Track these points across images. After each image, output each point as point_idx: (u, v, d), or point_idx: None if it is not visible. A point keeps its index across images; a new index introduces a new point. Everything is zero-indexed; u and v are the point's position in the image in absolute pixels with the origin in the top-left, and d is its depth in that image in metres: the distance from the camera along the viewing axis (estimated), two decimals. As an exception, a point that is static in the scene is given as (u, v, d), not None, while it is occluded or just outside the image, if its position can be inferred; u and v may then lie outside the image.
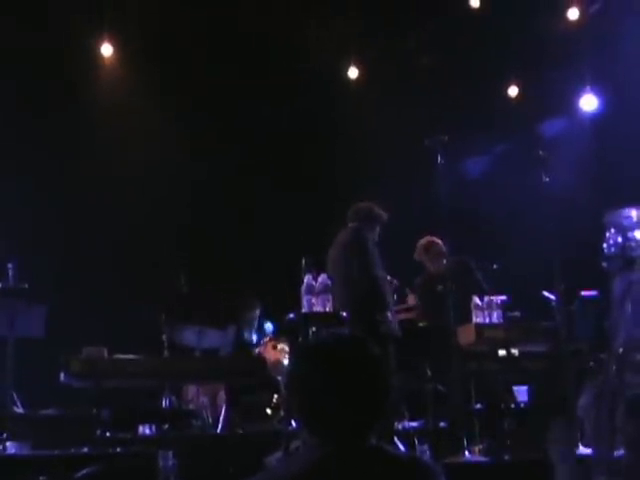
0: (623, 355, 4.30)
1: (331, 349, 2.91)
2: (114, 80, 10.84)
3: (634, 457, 4.52)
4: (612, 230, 4.30)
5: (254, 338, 9.85)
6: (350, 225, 7.60)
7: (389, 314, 7.24)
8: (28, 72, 10.14)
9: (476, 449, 7.08)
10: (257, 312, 9.91)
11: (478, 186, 10.35)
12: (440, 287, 7.83)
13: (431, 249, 8.51)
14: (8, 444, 6.87)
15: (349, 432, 2.81)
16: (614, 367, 4.42)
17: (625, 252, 4.24)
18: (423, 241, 8.61)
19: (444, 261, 8.16)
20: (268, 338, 9.43)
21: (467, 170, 10.53)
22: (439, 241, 8.40)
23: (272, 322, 9.82)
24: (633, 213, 4.28)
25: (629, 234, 4.24)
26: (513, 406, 7.66)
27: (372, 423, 2.86)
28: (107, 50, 10.66)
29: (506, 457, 6.80)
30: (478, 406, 7.64)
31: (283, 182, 10.90)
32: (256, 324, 9.94)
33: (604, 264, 4.36)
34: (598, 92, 10.95)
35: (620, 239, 4.26)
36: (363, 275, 7.27)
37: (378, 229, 7.67)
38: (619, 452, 4.87)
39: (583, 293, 7.72)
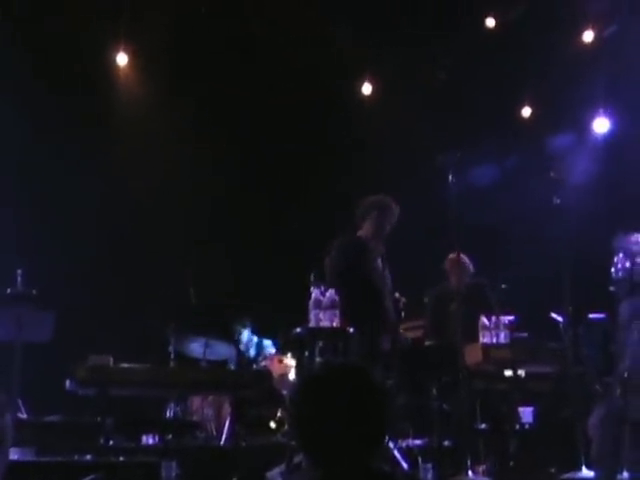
0: (628, 379, 4.30)
1: (331, 379, 2.95)
2: (129, 89, 10.89)
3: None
4: (620, 255, 4.31)
5: (250, 352, 9.91)
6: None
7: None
8: (41, 81, 10.18)
9: (480, 469, 7.05)
10: (238, 330, 9.99)
11: (490, 205, 10.34)
12: (453, 306, 7.83)
13: (460, 263, 8.55)
14: (12, 450, 6.87)
15: (348, 458, 2.85)
16: (619, 391, 4.42)
17: (633, 277, 4.24)
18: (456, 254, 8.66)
19: (466, 279, 8.27)
20: (273, 354, 9.48)
21: (477, 177, 10.52)
22: (467, 260, 8.47)
23: (272, 340, 9.87)
24: (641, 239, 4.29)
25: (637, 259, 4.24)
26: (518, 427, 7.64)
27: (371, 449, 2.89)
28: (122, 59, 10.71)
29: (510, 477, 6.78)
30: (483, 426, 7.62)
31: (293, 196, 10.93)
32: (243, 338, 9.99)
33: (612, 288, 4.37)
34: (611, 114, 10.96)
35: (628, 264, 4.26)
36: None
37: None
38: (622, 475, 4.86)
39: (590, 316, 7.71)
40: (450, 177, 7.30)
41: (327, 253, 7.64)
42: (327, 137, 11.06)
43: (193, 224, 10.67)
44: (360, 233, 7.73)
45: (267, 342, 9.95)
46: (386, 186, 10.50)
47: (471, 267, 8.50)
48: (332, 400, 2.87)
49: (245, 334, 10.02)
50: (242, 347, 9.95)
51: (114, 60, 10.70)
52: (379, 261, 7.72)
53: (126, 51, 10.68)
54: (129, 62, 10.76)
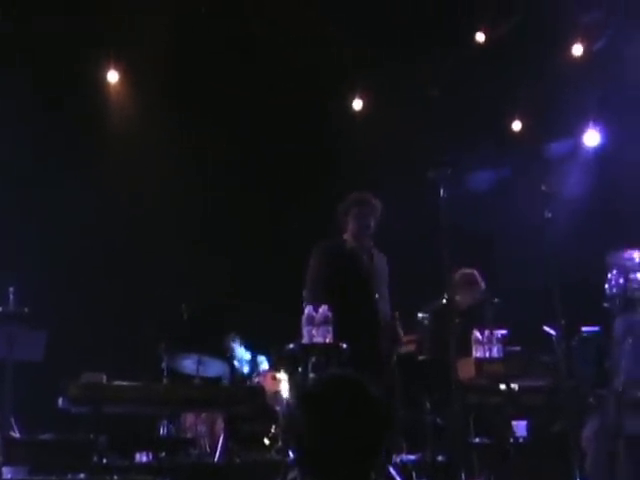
0: (622, 394, 4.30)
1: (327, 392, 2.94)
2: (120, 105, 10.90)
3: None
4: (614, 271, 4.32)
5: (244, 369, 9.90)
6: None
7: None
8: (33, 98, 10.18)
9: (474, 483, 7.05)
10: (230, 345, 9.99)
11: (482, 218, 10.36)
12: (458, 320, 7.86)
13: (473, 280, 8.58)
14: (4, 469, 6.85)
15: (345, 472, 2.84)
16: (613, 406, 4.42)
17: (627, 293, 4.25)
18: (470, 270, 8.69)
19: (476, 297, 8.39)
20: (267, 370, 9.48)
21: (473, 184, 10.54)
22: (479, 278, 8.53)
23: (266, 356, 9.86)
24: (635, 255, 4.30)
25: (631, 275, 4.26)
26: (512, 440, 7.63)
27: (369, 461, 2.89)
28: (113, 77, 10.73)
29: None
30: (477, 440, 7.61)
31: (292, 197, 10.96)
32: (236, 355, 9.99)
33: (606, 304, 4.38)
34: (602, 127, 11.00)
35: (622, 280, 4.27)
36: None
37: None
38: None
39: (583, 329, 7.72)
40: (442, 192, 7.28)
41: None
42: (326, 138, 11.08)
43: (186, 240, 10.66)
44: (345, 236, 7.64)
45: (261, 358, 9.94)
46: (387, 187, 10.58)
47: (483, 285, 8.53)
48: (328, 414, 2.88)
49: (238, 350, 10.01)
50: (236, 363, 9.94)
51: (105, 77, 10.72)
52: (365, 258, 7.59)
53: (116, 68, 10.70)
54: (123, 66, 10.80)
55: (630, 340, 4.21)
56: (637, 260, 4.30)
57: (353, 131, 11.18)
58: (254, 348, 10.13)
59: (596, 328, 7.63)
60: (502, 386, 7.53)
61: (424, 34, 10.67)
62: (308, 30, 10.52)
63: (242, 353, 10.04)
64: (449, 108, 10.86)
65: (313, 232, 7.56)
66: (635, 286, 4.27)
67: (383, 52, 10.76)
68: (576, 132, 11.14)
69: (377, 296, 7.49)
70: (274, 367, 9.35)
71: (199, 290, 10.22)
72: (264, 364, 9.87)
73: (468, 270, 8.60)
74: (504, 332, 7.72)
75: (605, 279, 4.32)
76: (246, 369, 9.96)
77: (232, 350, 9.99)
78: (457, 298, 8.51)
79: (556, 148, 10.83)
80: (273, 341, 8.72)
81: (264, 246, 10.84)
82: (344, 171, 10.79)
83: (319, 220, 8.56)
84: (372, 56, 10.88)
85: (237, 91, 10.83)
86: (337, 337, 6.81)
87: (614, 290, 4.31)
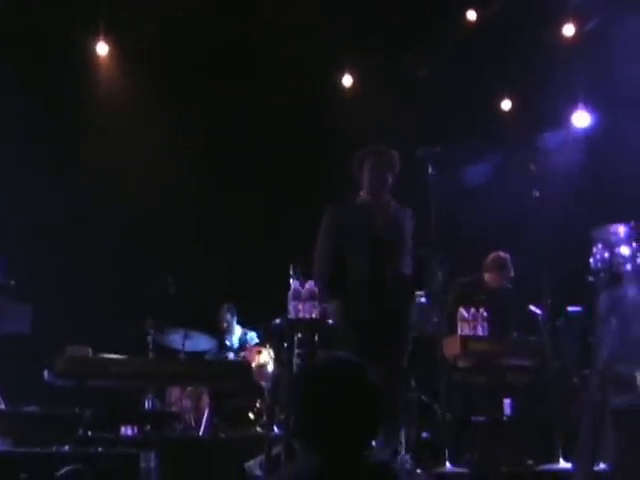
0: (606, 371, 4.32)
1: (329, 373, 3.03)
2: (110, 80, 10.85)
3: (620, 470, 4.54)
4: (599, 245, 4.32)
5: (234, 343, 9.90)
6: None
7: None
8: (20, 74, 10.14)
9: (459, 460, 7.07)
10: (224, 316, 9.99)
11: (469, 199, 10.35)
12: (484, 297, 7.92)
13: (505, 265, 8.62)
14: (-11, 441, 6.86)
15: (344, 447, 2.95)
16: (597, 383, 4.44)
17: (612, 268, 4.25)
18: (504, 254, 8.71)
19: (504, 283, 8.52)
20: (253, 344, 9.49)
21: (466, 177, 10.54)
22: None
23: (257, 331, 9.86)
24: (620, 229, 4.30)
25: (616, 250, 4.26)
26: (497, 419, 7.66)
27: (364, 442, 2.99)
28: (103, 49, 10.67)
29: (488, 469, 6.80)
30: (462, 418, 7.63)
31: (272, 190, 10.93)
32: (231, 328, 10.00)
33: (590, 279, 4.38)
34: (592, 108, 11.00)
35: (607, 255, 4.27)
36: None
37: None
38: (600, 466, 4.88)
39: (569, 309, 7.74)
40: (430, 170, 7.28)
41: None
42: (321, 137, 11.06)
43: (172, 216, 10.65)
44: (362, 193, 7.05)
45: (252, 334, 9.95)
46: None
47: (512, 272, 8.58)
48: (324, 394, 2.97)
49: (232, 322, 10.02)
50: (227, 339, 9.96)
51: (94, 49, 10.69)
52: (379, 213, 6.93)
53: (106, 40, 10.67)
54: (109, 52, 10.75)
55: (614, 315, 4.22)
56: (622, 234, 4.30)
57: (344, 118, 11.13)
58: (244, 324, 10.15)
59: (581, 308, 7.68)
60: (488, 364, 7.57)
61: (414, 14, 10.64)
62: (303, 28, 10.53)
63: (234, 326, 10.05)
64: (436, 88, 10.85)
65: (309, 232, 7.41)
66: (620, 260, 4.27)
67: (371, 36, 10.73)
68: (566, 113, 11.13)
69: (395, 254, 6.83)
70: (263, 342, 9.37)
71: (193, 286, 10.20)
72: (254, 340, 9.88)
73: (502, 254, 8.63)
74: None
75: (590, 254, 4.34)
76: (236, 343, 9.97)
77: (227, 322, 9.99)
78: (486, 278, 8.59)
79: (544, 131, 10.82)
80: (265, 317, 8.73)
81: (260, 246, 10.81)
82: (339, 170, 10.80)
83: (315, 220, 8.50)
84: (360, 40, 10.83)
85: (233, 90, 10.81)
86: (344, 297, 6.73)
87: (599, 264, 4.31)
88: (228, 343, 9.95)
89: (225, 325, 10.01)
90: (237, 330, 10.06)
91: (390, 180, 6.99)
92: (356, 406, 2.98)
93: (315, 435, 3.00)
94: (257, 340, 9.83)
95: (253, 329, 9.97)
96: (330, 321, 6.78)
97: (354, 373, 3.04)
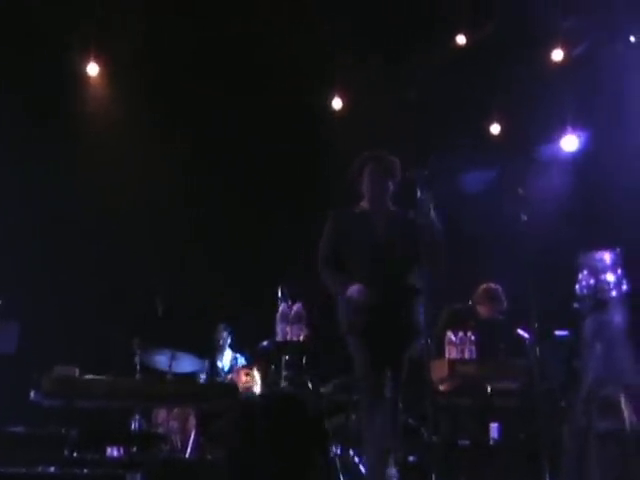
0: (591, 396, 4.32)
1: (266, 409, 3.06)
2: (100, 99, 10.86)
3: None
4: (585, 272, 4.33)
5: (225, 365, 9.88)
6: None
7: None
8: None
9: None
10: (221, 334, 9.97)
11: (458, 220, 10.36)
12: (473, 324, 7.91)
13: (496, 297, 8.60)
14: (-26, 460, 6.82)
15: None
16: (582, 407, 4.44)
17: (597, 294, 4.26)
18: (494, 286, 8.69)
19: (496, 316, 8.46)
20: (240, 366, 9.47)
21: (465, 185, 10.53)
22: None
23: (244, 355, 9.85)
24: (606, 256, 4.31)
25: (601, 276, 4.27)
26: (484, 442, 7.66)
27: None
28: (93, 69, 10.69)
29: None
30: (449, 441, 7.62)
31: (262, 210, 10.94)
32: (224, 348, 9.98)
33: (576, 305, 4.39)
34: (580, 132, 11.05)
35: (592, 281, 4.28)
36: None
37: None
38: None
39: (555, 332, 7.74)
40: (419, 193, 7.25)
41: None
42: (316, 138, 11.08)
43: (161, 235, 10.63)
44: (362, 202, 6.85)
45: (242, 360, 9.93)
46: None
47: (505, 303, 8.54)
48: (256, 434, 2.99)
49: (226, 345, 10.01)
50: (219, 358, 9.94)
51: (85, 69, 10.70)
52: (380, 222, 6.75)
53: (98, 55, 10.70)
54: (100, 71, 10.76)
55: (599, 340, 4.23)
56: (608, 261, 4.31)
57: (339, 131, 11.16)
58: (234, 348, 10.13)
59: (568, 332, 7.68)
60: (475, 388, 7.58)
61: (405, 36, 10.68)
62: (297, 33, 10.55)
63: (227, 347, 10.03)
64: (426, 111, 10.88)
65: (303, 232, 7.35)
66: (605, 287, 4.28)
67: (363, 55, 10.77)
68: (554, 137, 11.17)
69: (396, 263, 6.62)
70: (252, 364, 9.36)
71: (183, 288, 10.19)
72: (241, 361, 9.86)
73: (493, 285, 8.62)
74: (477, 334, 7.76)
75: (576, 280, 4.35)
76: (227, 366, 9.95)
77: (222, 339, 9.97)
78: (477, 309, 8.58)
79: (533, 154, 10.85)
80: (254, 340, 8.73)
81: (253, 246, 10.80)
82: (332, 173, 10.81)
83: (308, 221, 8.50)
84: (352, 60, 10.87)
85: (228, 91, 10.82)
86: (346, 308, 6.44)
87: (584, 291, 4.31)
88: (220, 364, 9.93)
89: (220, 342, 9.99)
90: (228, 353, 10.05)
91: (391, 187, 6.78)
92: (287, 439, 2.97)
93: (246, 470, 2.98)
94: (244, 361, 9.82)
95: (243, 354, 9.95)
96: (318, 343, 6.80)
97: (287, 409, 3.04)
